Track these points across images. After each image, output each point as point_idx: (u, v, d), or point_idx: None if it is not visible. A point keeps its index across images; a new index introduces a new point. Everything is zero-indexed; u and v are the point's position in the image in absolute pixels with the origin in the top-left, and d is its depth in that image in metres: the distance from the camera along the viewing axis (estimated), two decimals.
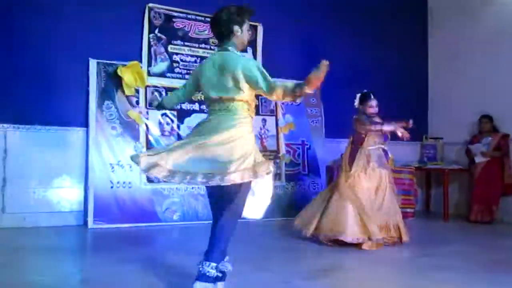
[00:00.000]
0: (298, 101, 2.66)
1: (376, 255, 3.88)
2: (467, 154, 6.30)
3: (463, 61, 6.67)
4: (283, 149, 6.08)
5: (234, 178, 2.39)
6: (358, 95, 4.56)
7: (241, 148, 2.52)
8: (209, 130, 2.58)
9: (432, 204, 6.93)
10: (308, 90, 2.50)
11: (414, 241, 4.32)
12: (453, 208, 6.47)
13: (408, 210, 6.13)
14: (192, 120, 5.51)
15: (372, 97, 4.51)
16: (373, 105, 4.49)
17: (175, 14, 5.59)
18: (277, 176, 5.94)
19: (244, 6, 2.70)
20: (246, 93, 2.62)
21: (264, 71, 2.59)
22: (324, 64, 2.43)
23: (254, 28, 6.03)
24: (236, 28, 2.66)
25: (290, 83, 2.58)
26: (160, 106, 3.08)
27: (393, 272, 3.35)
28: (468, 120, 6.47)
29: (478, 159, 6.01)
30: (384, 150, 4.49)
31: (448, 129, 6.87)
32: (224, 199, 2.56)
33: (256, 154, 2.60)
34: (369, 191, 4.22)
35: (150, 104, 5.35)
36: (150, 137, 5.32)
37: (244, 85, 2.59)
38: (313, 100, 6.36)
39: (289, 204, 5.90)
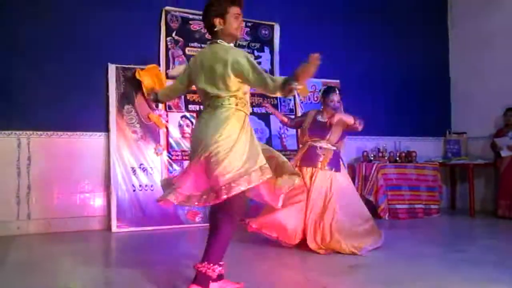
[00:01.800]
0: (289, 95, 2.45)
1: (404, 250, 3.81)
2: (492, 148, 6.16)
3: (486, 53, 6.53)
4: None
5: (224, 194, 2.34)
6: (323, 88, 4.38)
7: (230, 157, 2.39)
8: (199, 137, 2.52)
9: (458, 200, 6.79)
10: (297, 85, 2.32)
11: (443, 237, 4.23)
12: (479, 204, 6.32)
13: (433, 206, 6.03)
14: None
15: (335, 91, 4.29)
16: (333, 100, 4.24)
17: (191, 16, 5.59)
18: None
19: None
20: (235, 87, 2.49)
21: (255, 63, 2.46)
22: (314, 57, 2.27)
23: (270, 28, 6.01)
24: (217, 20, 2.55)
25: (280, 77, 2.41)
26: (155, 100, 3.11)
27: (425, 269, 3.26)
28: (493, 114, 6.33)
29: (505, 153, 5.86)
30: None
31: (471, 123, 6.73)
32: (219, 206, 2.51)
33: (250, 158, 2.42)
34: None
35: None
36: (171, 140, 5.33)
37: (232, 78, 2.46)
38: None
39: None
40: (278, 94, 2.42)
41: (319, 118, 4.26)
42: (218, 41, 2.59)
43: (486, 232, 4.96)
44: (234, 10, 2.56)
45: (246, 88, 2.57)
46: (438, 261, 3.46)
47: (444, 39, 7.19)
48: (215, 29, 2.57)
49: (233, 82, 2.49)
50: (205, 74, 2.57)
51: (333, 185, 3.97)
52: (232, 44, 2.62)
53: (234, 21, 2.56)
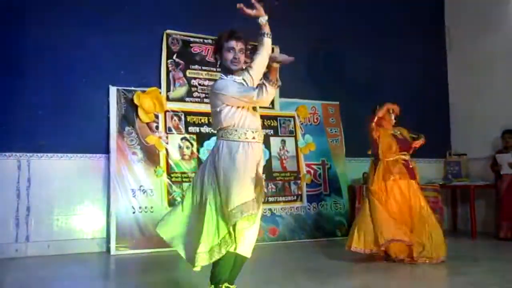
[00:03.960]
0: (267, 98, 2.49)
1: (407, 274, 3.77)
2: (492, 168, 6.14)
3: (485, 74, 6.58)
4: (303, 169, 6.02)
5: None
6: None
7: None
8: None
9: (459, 222, 6.74)
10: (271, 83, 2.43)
11: (446, 259, 4.19)
12: (481, 225, 6.28)
13: None
14: (212, 144, 5.51)
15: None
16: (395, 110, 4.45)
17: (192, 39, 5.67)
18: (298, 197, 5.89)
19: (224, 31, 2.69)
20: (229, 116, 2.58)
21: (238, 87, 2.57)
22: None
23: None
24: (216, 56, 2.74)
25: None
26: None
27: None
28: (492, 135, 6.34)
29: (505, 171, 5.84)
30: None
31: (472, 144, 6.75)
32: None
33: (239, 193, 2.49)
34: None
35: (170, 129, 5.39)
36: (171, 162, 5.33)
37: (223, 108, 2.58)
38: (332, 120, 6.33)
39: (311, 225, 5.83)
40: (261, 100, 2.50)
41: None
42: (219, 75, 2.76)
43: (488, 254, 4.92)
44: (229, 44, 2.65)
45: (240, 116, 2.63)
46: (440, 285, 3.42)
47: (443, 61, 7.26)
48: (219, 64, 2.73)
49: (223, 112, 2.60)
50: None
51: None
52: (227, 77, 2.68)
53: (228, 54, 2.65)
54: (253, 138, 2.62)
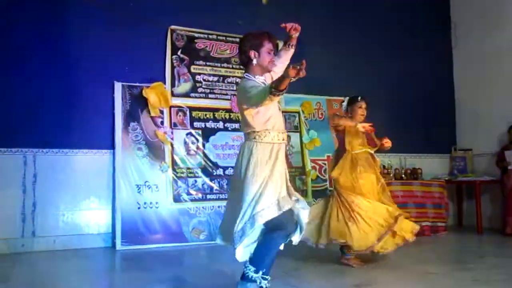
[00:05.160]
0: (271, 102, 2.56)
1: (410, 269, 3.76)
2: (497, 164, 6.12)
3: (490, 70, 6.54)
4: (308, 165, 6.02)
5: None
6: (347, 99, 4.31)
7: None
8: None
9: (465, 218, 6.72)
10: (276, 93, 2.45)
11: (450, 255, 4.17)
12: (487, 221, 6.26)
13: (440, 224, 5.97)
14: (217, 139, 5.54)
15: (359, 99, 4.20)
16: (362, 106, 4.17)
17: (197, 35, 5.66)
18: (303, 192, 5.88)
19: (262, 31, 2.79)
20: (249, 118, 2.70)
21: (248, 89, 2.63)
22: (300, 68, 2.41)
23: (275, 46, 6.03)
24: (252, 53, 2.75)
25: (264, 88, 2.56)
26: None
27: (432, 287, 3.22)
28: (498, 131, 6.32)
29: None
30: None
31: (477, 140, 6.71)
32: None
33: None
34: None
35: (175, 125, 5.40)
36: (176, 157, 5.34)
37: (243, 110, 2.70)
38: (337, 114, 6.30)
39: None
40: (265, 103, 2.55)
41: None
42: (245, 75, 2.80)
43: (494, 250, 4.90)
44: (269, 45, 2.77)
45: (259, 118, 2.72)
46: (446, 280, 3.41)
47: (449, 56, 7.22)
48: (249, 63, 2.77)
49: (245, 113, 2.73)
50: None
51: None
52: (257, 76, 2.76)
53: (267, 56, 2.76)
54: (283, 139, 2.74)
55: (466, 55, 7.03)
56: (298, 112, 6.11)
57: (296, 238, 2.83)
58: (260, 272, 2.68)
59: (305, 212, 2.76)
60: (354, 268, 3.81)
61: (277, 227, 2.66)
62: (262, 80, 2.77)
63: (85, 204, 5.01)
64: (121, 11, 5.30)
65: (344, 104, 4.32)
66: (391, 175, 6.12)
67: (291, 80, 2.43)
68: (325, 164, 6.10)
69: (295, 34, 2.86)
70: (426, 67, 6.89)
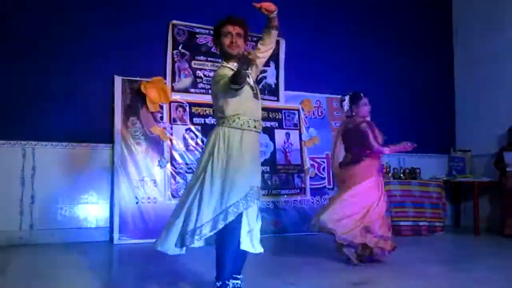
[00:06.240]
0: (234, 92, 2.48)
1: (407, 268, 3.77)
2: (496, 165, 6.12)
3: (491, 70, 6.54)
4: (307, 163, 6.02)
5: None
6: (347, 97, 4.21)
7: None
8: None
9: (462, 218, 6.73)
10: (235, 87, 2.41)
11: (447, 255, 4.18)
12: (485, 222, 6.28)
13: (437, 224, 5.99)
14: None
15: (362, 96, 4.14)
16: (366, 103, 4.12)
17: (198, 30, 5.64)
18: (302, 190, 5.89)
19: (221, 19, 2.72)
20: (220, 102, 2.60)
21: (217, 78, 2.58)
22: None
23: (276, 43, 6.01)
24: (215, 41, 2.78)
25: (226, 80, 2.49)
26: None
27: (428, 287, 3.22)
28: (497, 132, 6.31)
29: (510, 168, 5.81)
30: None
31: (476, 140, 6.71)
32: None
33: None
34: None
35: (174, 120, 5.39)
36: (175, 152, 5.33)
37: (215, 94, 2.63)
38: (337, 113, 6.31)
39: None
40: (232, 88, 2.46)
41: None
42: (220, 61, 2.78)
43: (492, 251, 4.91)
44: (225, 29, 2.67)
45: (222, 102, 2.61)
46: (443, 280, 3.42)
47: (450, 56, 7.21)
48: (217, 50, 2.79)
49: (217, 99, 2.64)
50: None
51: None
52: (234, 64, 2.66)
53: (225, 39, 2.66)
54: (255, 127, 2.61)
55: (467, 56, 7.02)
56: (298, 110, 6.10)
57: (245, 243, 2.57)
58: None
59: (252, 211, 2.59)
60: (357, 265, 3.84)
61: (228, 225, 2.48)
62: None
63: (84, 198, 5.01)
64: (123, 5, 5.29)
65: (346, 103, 4.21)
66: (390, 174, 6.13)
67: (246, 70, 2.36)
68: (323, 162, 6.10)
69: (272, 14, 2.68)
70: (426, 67, 6.89)
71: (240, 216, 2.50)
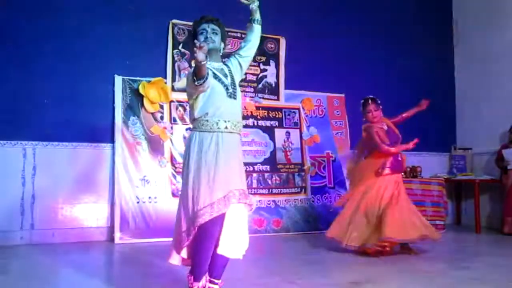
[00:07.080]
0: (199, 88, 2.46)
1: (408, 267, 3.77)
2: (497, 163, 6.11)
3: (492, 68, 6.52)
4: (307, 161, 6.02)
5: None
6: (362, 102, 4.54)
7: None
8: None
9: (463, 216, 6.73)
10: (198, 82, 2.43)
11: (448, 253, 4.18)
12: (486, 220, 6.27)
13: (438, 222, 5.96)
14: None
15: (369, 102, 4.45)
16: (371, 110, 4.42)
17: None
18: (302, 189, 5.89)
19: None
20: (191, 102, 2.61)
21: (187, 76, 2.57)
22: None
23: (276, 41, 6.03)
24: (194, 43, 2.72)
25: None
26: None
27: (429, 286, 3.22)
28: (498, 130, 6.30)
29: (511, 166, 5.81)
30: None
31: (477, 139, 6.70)
32: None
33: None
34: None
35: (174, 120, 5.39)
36: (175, 152, 5.33)
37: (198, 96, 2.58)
38: (337, 112, 6.31)
39: (315, 217, 5.83)
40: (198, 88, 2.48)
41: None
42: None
43: (492, 249, 4.91)
44: (200, 27, 2.66)
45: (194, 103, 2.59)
46: (442, 278, 3.42)
47: (450, 54, 7.19)
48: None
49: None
50: None
51: None
52: (211, 63, 2.62)
53: (200, 37, 2.64)
54: (225, 128, 2.53)
55: (467, 53, 7.00)
56: (298, 109, 6.10)
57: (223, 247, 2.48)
58: (203, 280, 2.53)
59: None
60: (352, 264, 3.83)
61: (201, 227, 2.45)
62: (218, 65, 2.64)
63: (84, 198, 5.02)
64: (123, 4, 5.29)
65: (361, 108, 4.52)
66: None
67: (204, 63, 2.34)
68: (324, 160, 6.10)
69: (252, 5, 2.62)
70: (427, 65, 6.87)
71: (217, 219, 2.43)
